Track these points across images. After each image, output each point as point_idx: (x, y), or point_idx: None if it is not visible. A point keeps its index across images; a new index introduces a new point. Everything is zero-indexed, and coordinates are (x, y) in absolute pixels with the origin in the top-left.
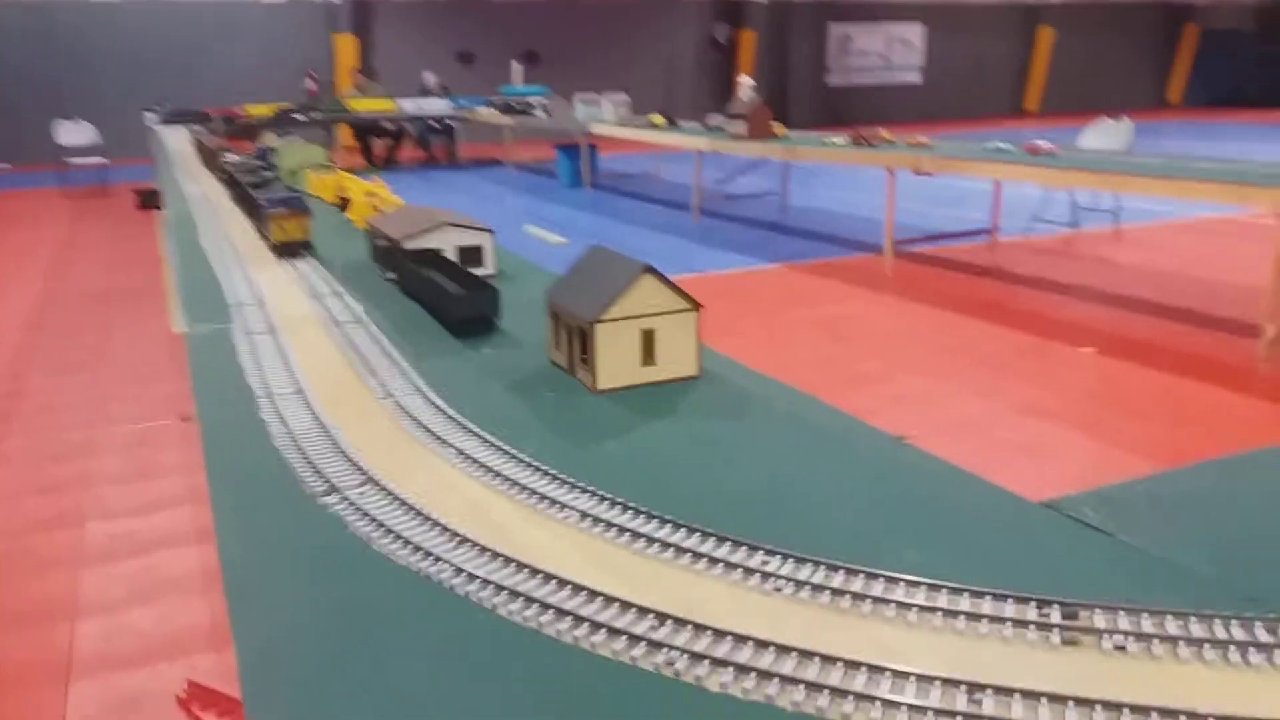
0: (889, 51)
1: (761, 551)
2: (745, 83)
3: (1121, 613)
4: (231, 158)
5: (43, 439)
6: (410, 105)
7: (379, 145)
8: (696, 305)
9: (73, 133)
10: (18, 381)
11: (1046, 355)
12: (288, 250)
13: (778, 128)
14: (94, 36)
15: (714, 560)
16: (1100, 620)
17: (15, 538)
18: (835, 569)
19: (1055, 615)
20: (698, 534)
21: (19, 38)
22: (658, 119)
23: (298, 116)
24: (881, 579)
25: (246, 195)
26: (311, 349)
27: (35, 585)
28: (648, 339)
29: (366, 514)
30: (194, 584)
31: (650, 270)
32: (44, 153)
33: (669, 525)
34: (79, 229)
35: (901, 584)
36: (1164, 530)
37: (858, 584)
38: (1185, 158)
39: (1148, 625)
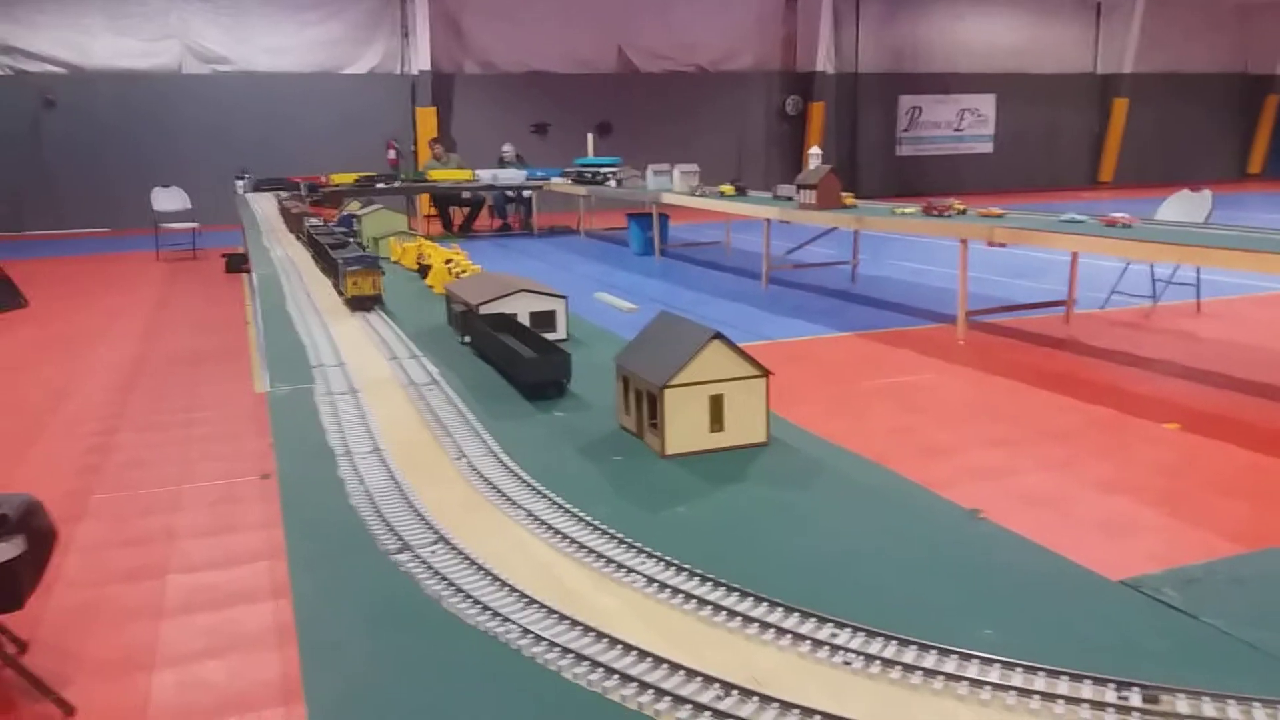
0: (960, 121)
1: (831, 623)
2: (814, 153)
3: (1205, 698)
4: (314, 221)
5: (130, 494)
6: (487, 175)
7: (457, 214)
8: (765, 372)
9: (167, 199)
10: (109, 437)
11: (1125, 430)
12: (360, 304)
13: (847, 197)
14: (185, 107)
15: (781, 630)
16: (1183, 705)
17: (99, 587)
18: (906, 644)
19: (1135, 698)
20: (765, 603)
21: (115, 108)
22: (727, 188)
23: (380, 185)
24: (955, 655)
25: (326, 255)
26: (389, 410)
27: (116, 635)
28: (716, 405)
29: (438, 573)
30: (268, 638)
31: (719, 336)
32: (137, 217)
33: (736, 593)
34: (171, 291)
35: (975, 661)
36: (1248, 613)
37: (930, 660)
38: (1266, 230)
39: (1233, 712)
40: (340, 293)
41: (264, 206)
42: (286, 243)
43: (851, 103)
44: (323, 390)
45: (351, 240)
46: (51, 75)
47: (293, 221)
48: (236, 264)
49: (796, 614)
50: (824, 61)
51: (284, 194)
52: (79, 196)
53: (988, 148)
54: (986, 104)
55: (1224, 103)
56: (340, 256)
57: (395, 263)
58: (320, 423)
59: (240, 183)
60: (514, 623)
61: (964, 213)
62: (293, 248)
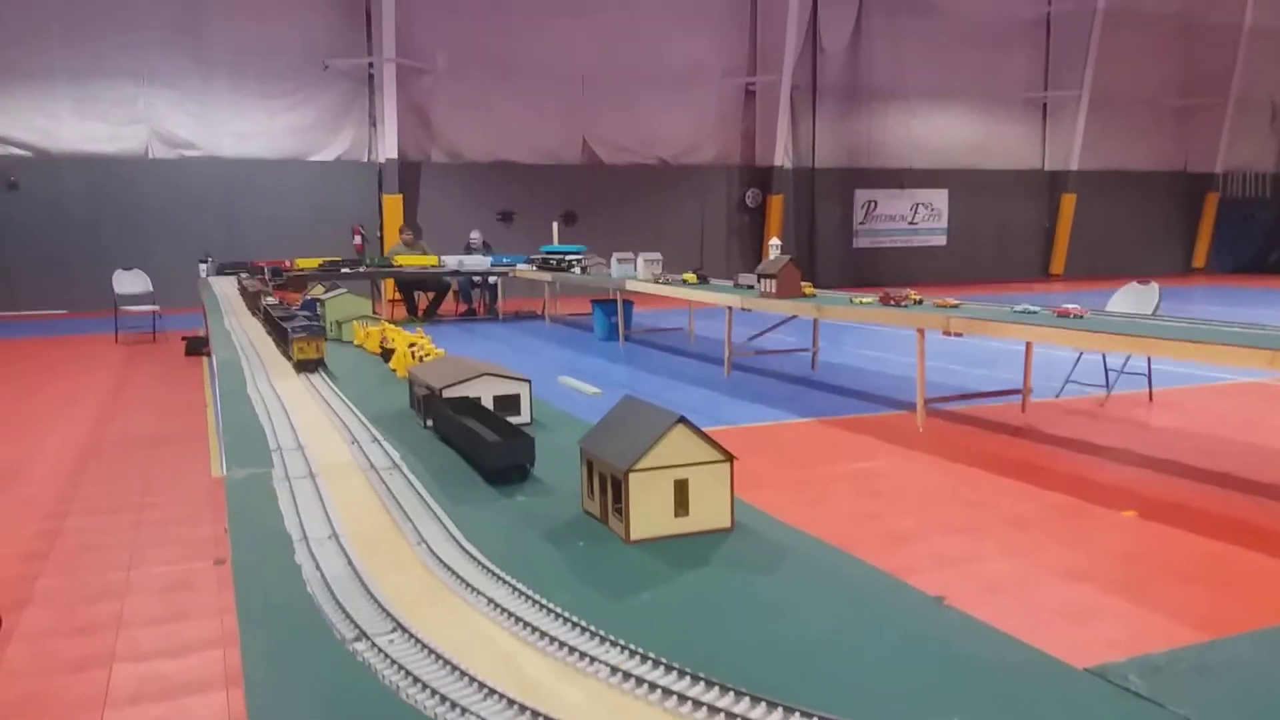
0: (914, 215)
1: (797, 713)
2: (775, 244)
3: None
4: (269, 299)
5: (78, 580)
6: (453, 261)
7: (422, 299)
8: (730, 456)
9: (128, 281)
10: (59, 521)
11: (1084, 516)
12: (305, 366)
13: (806, 287)
14: (150, 190)
15: None
16: None
17: (44, 678)
18: None
19: None
20: (731, 693)
21: (78, 191)
22: (690, 276)
23: (345, 270)
24: None
25: (278, 326)
26: (348, 494)
27: None
28: (681, 489)
29: (395, 662)
30: None
31: (683, 421)
32: (96, 299)
33: (702, 683)
34: (129, 374)
35: None
36: (1215, 700)
37: None
38: (1213, 322)
39: None
40: (288, 357)
41: (225, 288)
42: (244, 318)
43: (809, 196)
44: (280, 474)
45: (301, 314)
46: (15, 158)
47: (250, 299)
48: (196, 346)
49: (763, 703)
50: (782, 156)
51: (246, 276)
52: (37, 278)
53: (941, 240)
54: (940, 198)
55: (1167, 199)
56: (289, 326)
57: (359, 346)
58: (278, 507)
59: (204, 266)
60: (474, 714)
61: (920, 303)
62: (249, 321)
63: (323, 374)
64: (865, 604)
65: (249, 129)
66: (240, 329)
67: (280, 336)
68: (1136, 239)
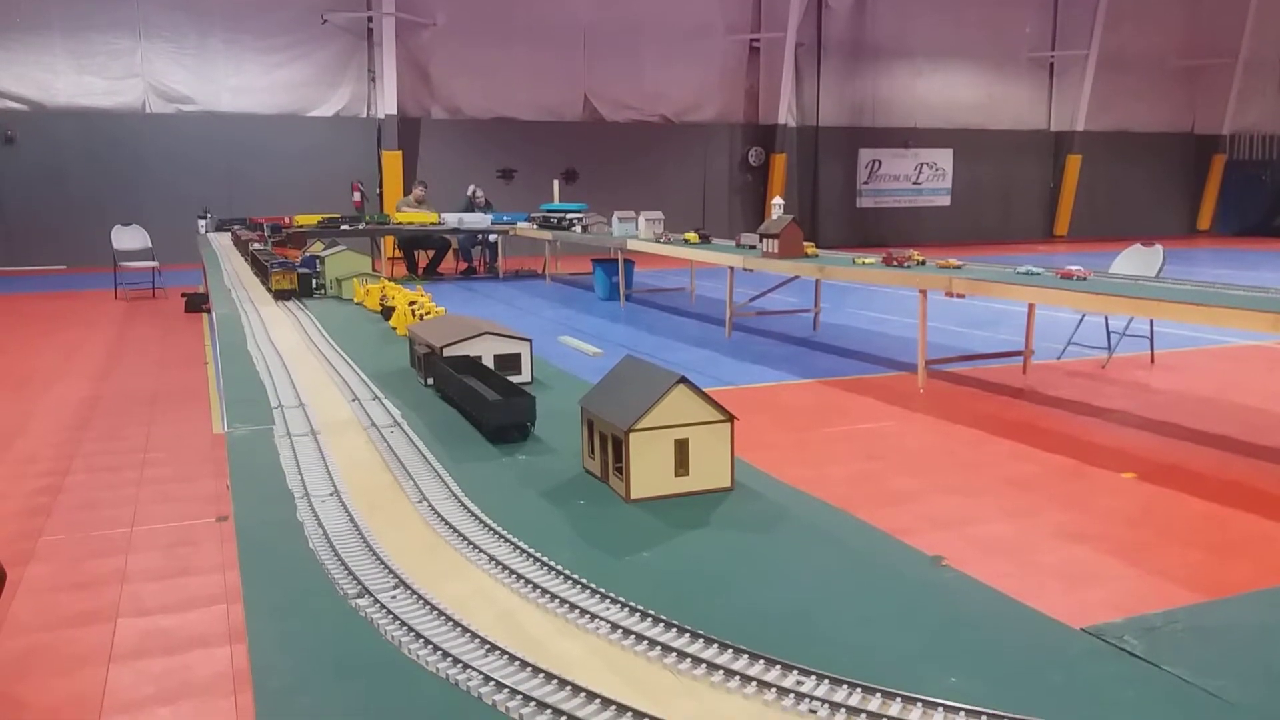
0: (918, 175)
1: (795, 671)
2: (777, 203)
3: None
4: (256, 246)
5: (81, 535)
6: (453, 219)
7: (422, 256)
8: (730, 416)
9: (127, 237)
10: (60, 478)
11: (1083, 478)
12: (282, 295)
13: (809, 247)
14: (148, 146)
15: (746, 678)
16: None
17: (48, 631)
18: (871, 691)
19: None
20: (730, 650)
21: (76, 146)
22: (692, 236)
23: (344, 227)
24: (919, 703)
25: (261, 265)
26: (350, 452)
27: (65, 680)
28: (681, 449)
29: (398, 618)
30: (223, 685)
31: (684, 381)
32: (95, 255)
33: (700, 640)
34: (128, 330)
35: (940, 709)
36: (1209, 661)
37: (894, 708)
38: (1217, 285)
39: None
40: (269, 289)
41: (223, 242)
42: (236, 260)
43: (813, 155)
44: (282, 431)
45: (279, 258)
46: (12, 112)
47: (241, 246)
48: (196, 303)
49: (761, 661)
50: (786, 115)
51: (239, 227)
52: (36, 233)
53: (945, 201)
54: (944, 158)
55: (1173, 161)
56: (269, 261)
57: (359, 304)
58: (279, 464)
59: (202, 222)
60: (475, 670)
61: (923, 264)
62: (240, 264)
63: (296, 301)
64: (864, 564)
65: (246, 84)
66: (233, 271)
67: (263, 273)
68: (1142, 201)
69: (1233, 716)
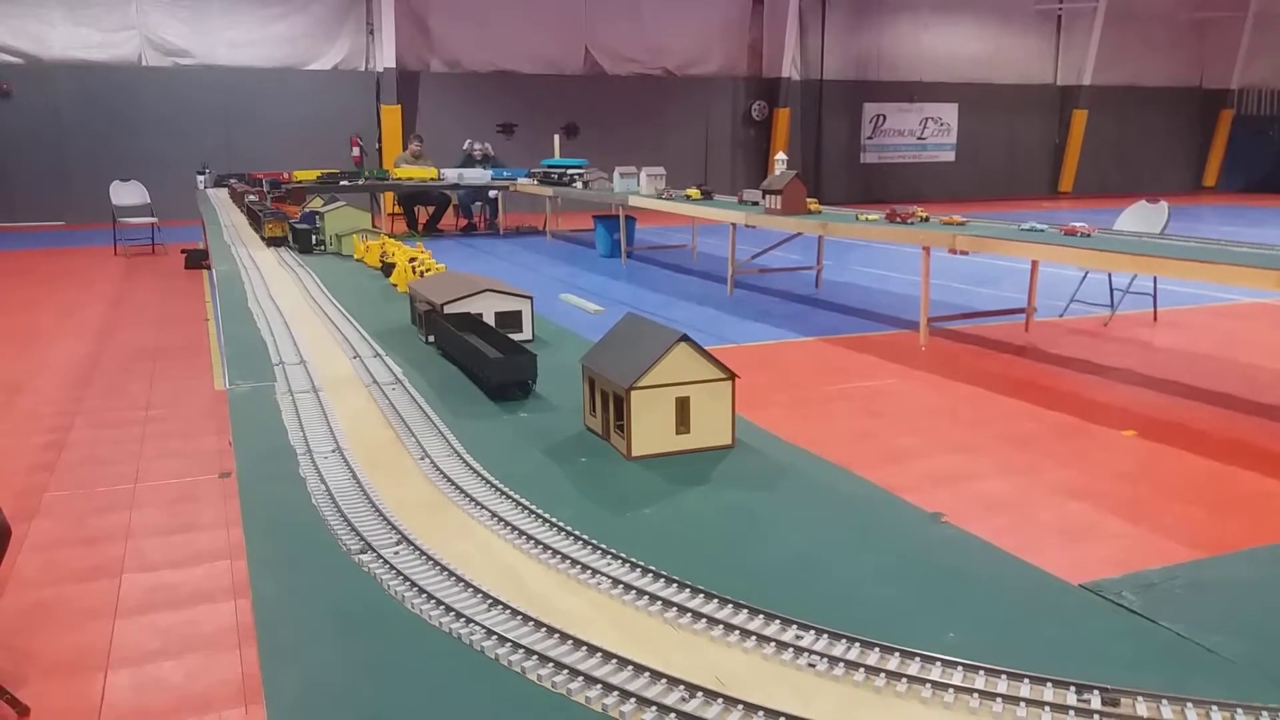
0: (923, 130)
1: (795, 625)
2: (780, 159)
3: (1164, 701)
4: (251, 198)
5: (85, 492)
6: (453, 174)
7: (422, 212)
8: (732, 375)
9: (126, 193)
10: (64, 434)
11: (1084, 436)
12: (274, 241)
13: (812, 203)
14: (145, 100)
15: (746, 632)
16: (1142, 708)
17: (53, 587)
18: (870, 646)
19: (1095, 701)
20: (730, 605)
21: (73, 99)
22: (694, 192)
23: (344, 182)
24: (917, 658)
25: (255, 215)
26: (352, 409)
27: (71, 634)
28: (682, 407)
29: (401, 573)
30: (228, 639)
31: (685, 339)
32: (94, 211)
33: (701, 595)
34: (129, 287)
35: (938, 664)
36: (1206, 617)
37: (893, 662)
38: (1221, 242)
39: (1191, 715)
40: (262, 237)
41: (222, 196)
42: (233, 213)
43: (817, 109)
44: (283, 388)
45: (271, 209)
46: (7, 65)
47: (237, 198)
48: (196, 260)
49: (761, 616)
50: (789, 68)
51: (235, 181)
52: (33, 189)
53: (950, 156)
54: (949, 113)
55: (1180, 116)
56: (260, 210)
57: (359, 260)
58: (281, 421)
59: (201, 178)
60: (478, 624)
61: (927, 220)
62: (236, 215)
63: (295, 256)
64: (864, 520)
65: (243, 36)
66: (231, 225)
67: (256, 222)
68: (1148, 156)
69: (1229, 672)
